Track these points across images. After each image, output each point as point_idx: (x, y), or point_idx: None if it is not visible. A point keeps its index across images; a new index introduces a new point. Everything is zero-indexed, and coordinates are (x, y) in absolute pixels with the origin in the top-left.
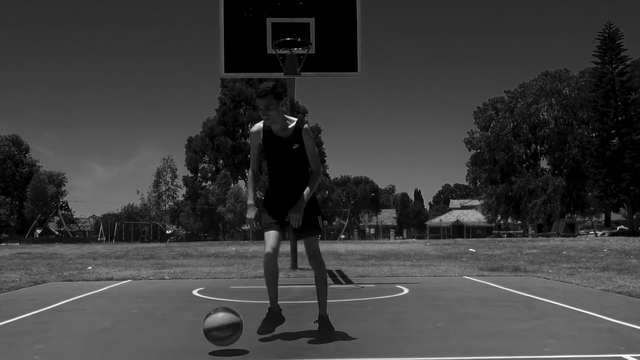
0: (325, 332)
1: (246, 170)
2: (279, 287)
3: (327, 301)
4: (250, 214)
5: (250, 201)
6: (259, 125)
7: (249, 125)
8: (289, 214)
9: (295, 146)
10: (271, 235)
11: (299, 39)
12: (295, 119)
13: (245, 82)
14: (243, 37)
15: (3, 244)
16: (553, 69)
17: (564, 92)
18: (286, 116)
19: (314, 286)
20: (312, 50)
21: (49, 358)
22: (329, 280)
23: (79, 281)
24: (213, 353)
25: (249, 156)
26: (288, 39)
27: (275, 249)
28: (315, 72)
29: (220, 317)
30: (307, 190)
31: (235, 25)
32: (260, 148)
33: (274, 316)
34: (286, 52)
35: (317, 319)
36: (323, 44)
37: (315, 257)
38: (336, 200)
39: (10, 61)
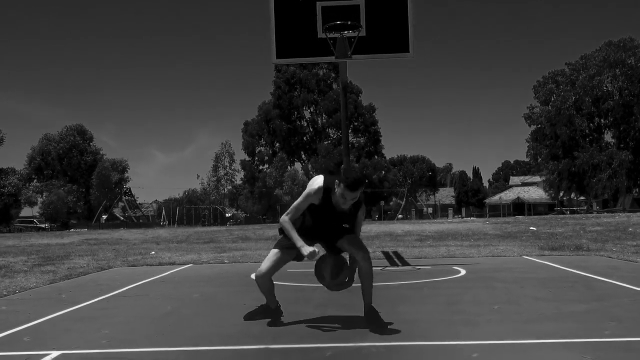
0: (376, 324)
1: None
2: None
3: (385, 283)
4: (308, 248)
5: (299, 241)
6: (321, 186)
7: (304, 108)
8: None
9: (345, 225)
10: (276, 258)
11: (349, 22)
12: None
13: (300, 65)
14: (293, 22)
15: (72, 230)
16: (616, 38)
17: (629, 62)
18: None
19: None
20: (363, 33)
21: (115, 343)
22: (385, 262)
23: (143, 266)
24: (271, 337)
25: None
26: (338, 22)
27: (270, 271)
28: (367, 54)
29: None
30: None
31: (285, 11)
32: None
33: (266, 309)
34: (337, 35)
35: (365, 312)
36: (373, 26)
37: (361, 250)
38: (392, 180)
39: (75, 55)
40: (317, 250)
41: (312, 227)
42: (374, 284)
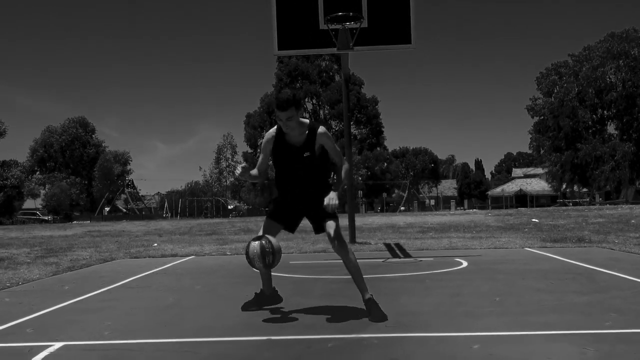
0: (376, 315)
1: None
2: (336, 261)
3: (387, 275)
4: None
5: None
6: (272, 132)
7: (306, 100)
8: (325, 201)
9: (305, 154)
10: (269, 225)
11: (351, 13)
12: (308, 123)
13: (302, 56)
14: (295, 14)
15: (75, 222)
16: (620, 29)
17: (632, 53)
18: (301, 120)
19: (373, 260)
20: (365, 24)
21: (117, 334)
22: (387, 254)
23: (145, 258)
24: (272, 329)
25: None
26: (340, 13)
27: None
28: (368, 45)
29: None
30: (341, 183)
31: (287, 2)
32: (270, 155)
33: (261, 297)
34: (338, 27)
35: (364, 304)
36: (375, 17)
37: (337, 239)
38: (395, 171)
39: (76, 48)
40: (241, 166)
41: (282, 177)
42: (379, 275)
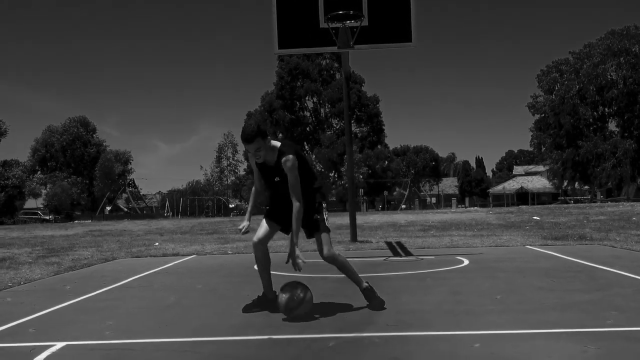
0: (375, 303)
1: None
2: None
3: (388, 273)
4: (243, 225)
5: (247, 215)
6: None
7: (306, 98)
8: (290, 259)
9: (276, 179)
10: (263, 226)
11: (351, 12)
12: (278, 148)
13: (303, 55)
14: (295, 12)
15: (76, 221)
16: (620, 26)
17: (633, 50)
18: (273, 142)
19: (374, 259)
20: (365, 22)
21: (119, 333)
22: (389, 252)
23: (147, 257)
24: (273, 328)
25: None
26: (340, 12)
27: (261, 239)
28: (369, 44)
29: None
30: (293, 230)
31: (287, 2)
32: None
33: (263, 301)
34: (339, 25)
35: (363, 296)
36: (376, 15)
37: (327, 255)
38: (396, 169)
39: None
40: (244, 225)
41: (269, 190)
42: (380, 274)
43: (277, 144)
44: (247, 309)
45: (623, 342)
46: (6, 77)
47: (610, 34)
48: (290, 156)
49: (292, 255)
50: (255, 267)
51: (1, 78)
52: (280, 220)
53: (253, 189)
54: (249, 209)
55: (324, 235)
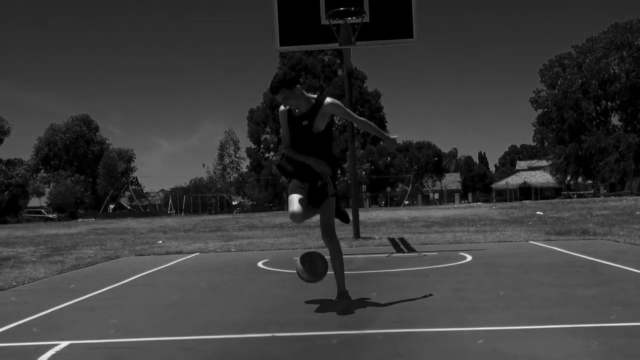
0: (344, 307)
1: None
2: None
3: (391, 270)
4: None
5: (307, 159)
6: (283, 107)
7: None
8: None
9: (304, 122)
10: (296, 199)
11: (353, 8)
12: (316, 97)
13: (305, 51)
14: (296, 10)
15: (80, 220)
16: (623, 20)
17: (635, 43)
18: (310, 95)
19: (377, 255)
20: (367, 19)
21: (123, 332)
22: (392, 248)
23: (150, 255)
24: (277, 325)
25: None
26: (341, 8)
27: (301, 209)
28: (370, 40)
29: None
30: (377, 130)
31: None
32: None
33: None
34: (340, 22)
35: (336, 296)
36: (377, 12)
37: (328, 233)
38: (399, 166)
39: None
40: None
41: (297, 146)
42: (383, 270)
43: (314, 96)
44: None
45: (626, 337)
46: (9, 75)
47: (614, 27)
48: (330, 98)
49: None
50: (261, 264)
51: (4, 77)
52: (306, 178)
53: (290, 148)
54: (301, 157)
55: (330, 215)
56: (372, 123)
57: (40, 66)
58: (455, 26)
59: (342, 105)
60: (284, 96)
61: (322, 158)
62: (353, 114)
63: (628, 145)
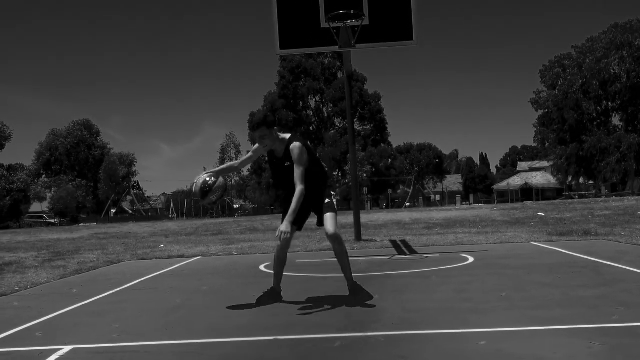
0: (361, 297)
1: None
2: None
3: (393, 272)
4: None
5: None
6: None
7: (309, 97)
8: (278, 228)
9: (287, 164)
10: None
11: (352, 11)
12: (288, 139)
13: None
14: (296, 13)
15: (82, 224)
16: (623, 20)
17: (636, 43)
18: (282, 135)
19: (379, 258)
20: (366, 22)
21: (126, 336)
22: (393, 251)
23: (152, 259)
24: (279, 328)
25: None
26: (341, 11)
27: (285, 246)
28: (370, 43)
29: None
30: (290, 209)
31: (287, 2)
32: (259, 155)
33: (274, 294)
34: (340, 25)
35: (349, 291)
36: (377, 14)
37: (333, 232)
38: (400, 167)
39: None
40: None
41: (277, 184)
42: (385, 272)
43: (287, 135)
44: (261, 302)
45: (629, 337)
46: (9, 80)
47: (614, 27)
48: (298, 143)
49: (285, 225)
50: (263, 267)
51: (5, 82)
52: (297, 219)
53: (233, 162)
54: (219, 168)
55: (332, 215)
56: (297, 201)
57: (41, 71)
58: (455, 28)
59: (302, 154)
60: (262, 134)
61: (313, 187)
62: (299, 171)
63: (629, 146)
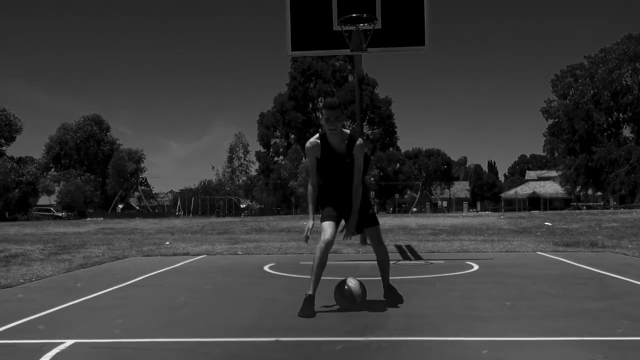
0: (396, 299)
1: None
2: (348, 262)
3: (398, 278)
4: (309, 223)
5: (310, 214)
6: (314, 140)
7: (319, 100)
8: (344, 227)
9: (348, 160)
10: (329, 226)
11: (365, 15)
12: (349, 133)
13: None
14: (309, 14)
15: (89, 219)
16: (636, 31)
17: None
18: (343, 129)
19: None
20: (379, 26)
21: (128, 332)
22: (398, 256)
23: (157, 256)
24: (282, 330)
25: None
26: (354, 14)
27: (332, 240)
28: (382, 47)
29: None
30: (354, 206)
31: (301, 3)
32: (317, 162)
33: (312, 300)
34: (352, 28)
35: (384, 293)
36: (389, 19)
37: (379, 245)
38: (407, 172)
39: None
40: (309, 226)
41: (328, 180)
42: (390, 277)
43: (347, 130)
44: (306, 313)
45: (633, 351)
46: (22, 75)
47: (627, 38)
48: (362, 140)
49: (349, 228)
50: (267, 268)
51: (17, 77)
52: (339, 208)
53: (310, 187)
54: (310, 207)
55: (378, 229)
56: (359, 194)
57: (52, 66)
58: (467, 34)
59: (363, 153)
60: (337, 114)
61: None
62: (360, 167)
63: (639, 158)
